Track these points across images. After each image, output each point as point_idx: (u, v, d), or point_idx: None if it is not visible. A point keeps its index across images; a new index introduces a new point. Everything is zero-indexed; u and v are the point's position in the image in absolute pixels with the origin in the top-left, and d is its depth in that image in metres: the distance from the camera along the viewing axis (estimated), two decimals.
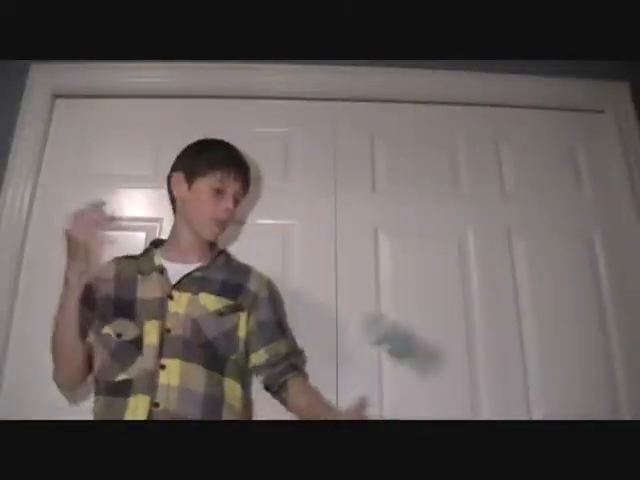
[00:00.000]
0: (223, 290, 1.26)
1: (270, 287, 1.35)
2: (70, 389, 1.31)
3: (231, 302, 1.25)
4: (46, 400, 1.47)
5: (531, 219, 1.71)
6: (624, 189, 1.73)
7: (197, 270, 1.28)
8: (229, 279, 1.29)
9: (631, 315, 1.62)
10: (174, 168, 1.37)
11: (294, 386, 1.27)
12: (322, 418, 1.20)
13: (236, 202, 1.35)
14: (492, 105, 1.82)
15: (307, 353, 1.53)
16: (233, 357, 1.22)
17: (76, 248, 1.16)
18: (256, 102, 1.78)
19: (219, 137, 1.74)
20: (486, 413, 1.51)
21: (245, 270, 1.34)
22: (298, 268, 1.60)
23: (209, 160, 1.32)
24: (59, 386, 1.31)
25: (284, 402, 1.29)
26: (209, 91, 1.78)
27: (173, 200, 1.39)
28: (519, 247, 1.68)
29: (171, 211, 1.43)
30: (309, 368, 1.48)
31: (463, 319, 1.59)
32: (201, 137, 1.72)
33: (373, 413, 1.49)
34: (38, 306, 1.55)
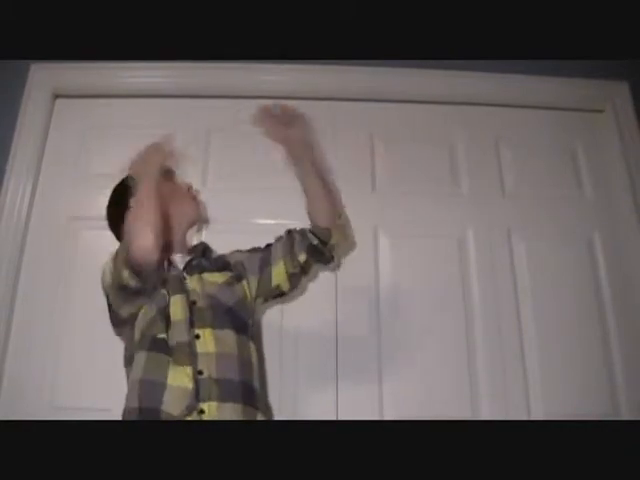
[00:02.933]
0: (218, 268, 1.32)
1: (244, 251, 1.40)
2: (148, 260, 1.17)
3: (231, 274, 1.32)
4: (46, 400, 1.48)
5: (531, 219, 1.71)
6: (624, 189, 1.73)
7: (192, 259, 1.33)
8: (217, 261, 1.36)
9: (631, 315, 1.63)
10: (125, 198, 1.32)
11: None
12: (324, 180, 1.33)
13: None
14: (492, 105, 1.82)
15: (307, 353, 1.54)
16: (250, 321, 1.29)
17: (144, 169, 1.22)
18: (256, 102, 1.77)
19: (219, 137, 1.76)
20: (486, 413, 1.51)
21: (222, 255, 1.39)
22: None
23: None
24: (139, 253, 1.16)
25: (330, 233, 1.31)
26: (209, 91, 1.78)
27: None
28: (519, 247, 1.68)
29: None
30: (309, 368, 1.49)
31: (463, 319, 1.60)
32: (201, 137, 1.73)
33: (373, 413, 1.50)
34: (38, 306, 1.56)
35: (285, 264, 1.32)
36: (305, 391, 1.51)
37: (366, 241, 1.65)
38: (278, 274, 1.33)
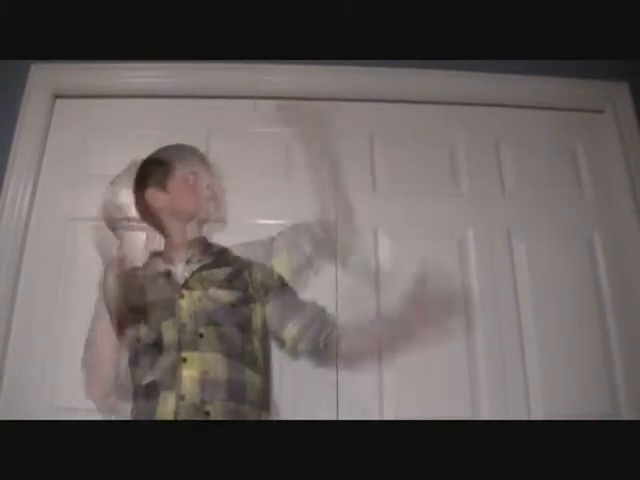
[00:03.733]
0: (231, 284, 1.28)
1: (276, 275, 1.37)
2: (102, 403, 1.27)
3: (241, 294, 1.28)
4: (46, 400, 1.48)
5: (531, 219, 1.71)
6: (624, 189, 1.73)
7: (201, 268, 1.30)
8: (234, 273, 1.32)
9: (631, 315, 1.62)
10: (140, 189, 1.38)
11: (339, 337, 1.32)
12: (383, 349, 1.36)
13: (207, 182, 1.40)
14: (492, 105, 1.82)
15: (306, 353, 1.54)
16: (249, 348, 1.25)
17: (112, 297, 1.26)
18: (256, 102, 1.78)
19: (219, 137, 1.76)
20: (486, 413, 1.51)
21: (247, 263, 1.36)
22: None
23: (167, 163, 1.37)
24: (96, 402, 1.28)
25: (333, 357, 1.34)
26: (209, 91, 1.78)
27: (149, 216, 1.39)
28: (519, 247, 1.68)
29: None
30: (309, 368, 1.49)
31: (463, 319, 1.59)
32: (201, 136, 1.73)
33: (373, 413, 1.50)
34: (38, 306, 1.56)
35: (289, 255, 1.34)
36: (305, 391, 1.51)
37: (366, 241, 1.65)
38: (280, 263, 1.34)
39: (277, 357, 1.52)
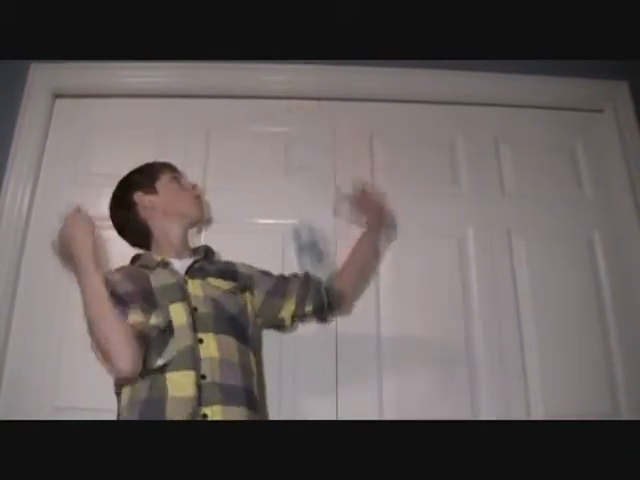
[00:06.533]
0: (223, 275, 1.32)
1: (255, 268, 1.42)
2: (134, 374, 1.13)
3: (235, 283, 1.32)
4: (46, 400, 1.48)
5: (531, 219, 1.71)
6: (624, 189, 1.73)
7: (195, 262, 1.32)
8: (222, 267, 1.36)
9: (631, 315, 1.62)
10: (126, 197, 1.35)
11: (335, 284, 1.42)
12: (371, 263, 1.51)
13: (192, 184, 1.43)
14: (492, 105, 1.82)
15: (306, 353, 1.54)
16: (250, 331, 1.28)
17: (78, 246, 1.17)
18: (256, 102, 1.78)
19: (219, 137, 1.76)
20: (486, 413, 1.51)
21: (230, 262, 1.41)
22: (298, 268, 1.59)
23: (151, 170, 1.40)
24: (121, 378, 1.17)
25: (340, 301, 1.43)
26: (209, 91, 1.78)
27: (134, 224, 1.36)
28: (519, 247, 1.68)
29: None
30: (308, 368, 1.49)
31: (463, 319, 1.59)
32: (201, 136, 1.73)
33: (373, 413, 1.50)
34: (38, 306, 1.56)
35: (295, 305, 1.38)
36: (305, 391, 1.51)
37: None
38: (287, 309, 1.38)
39: (277, 357, 1.52)
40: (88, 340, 1.50)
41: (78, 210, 1.22)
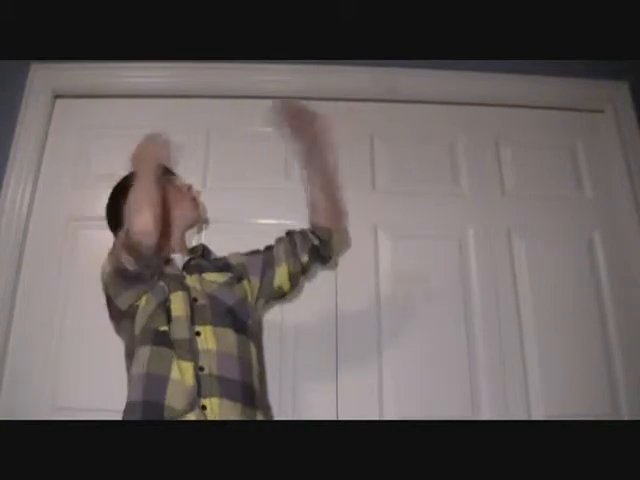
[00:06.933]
0: (218, 269, 1.33)
1: (245, 254, 1.41)
2: (147, 242, 1.18)
3: (230, 274, 1.32)
4: (47, 400, 1.48)
5: (531, 219, 1.71)
6: (624, 189, 1.73)
7: (192, 259, 1.33)
8: (216, 262, 1.37)
9: (631, 315, 1.63)
10: (125, 198, 1.31)
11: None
12: (330, 181, 1.37)
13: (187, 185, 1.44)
14: (492, 105, 1.82)
15: (307, 353, 1.54)
16: (250, 322, 1.29)
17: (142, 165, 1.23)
18: (256, 102, 1.78)
19: (219, 137, 1.76)
20: (486, 413, 1.51)
21: (222, 257, 1.41)
22: None
23: None
24: (137, 236, 1.17)
25: (330, 233, 1.37)
26: (209, 91, 1.78)
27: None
28: (519, 247, 1.68)
29: None
30: (309, 367, 1.49)
31: (463, 319, 1.60)
32: (201, 136, 1.73)
33: (373, 413, 1.50)
34: (38, 305, 1.56)
35: (288, 266, 1.35)
36: (305, 391, 1.51)
37: (366, 241, 1.65)
38: (281, 275, 1.35)
39: (277, 357, 1.52)
40: (88, 340, 1.52)
41: (154, 136, 1.27)
